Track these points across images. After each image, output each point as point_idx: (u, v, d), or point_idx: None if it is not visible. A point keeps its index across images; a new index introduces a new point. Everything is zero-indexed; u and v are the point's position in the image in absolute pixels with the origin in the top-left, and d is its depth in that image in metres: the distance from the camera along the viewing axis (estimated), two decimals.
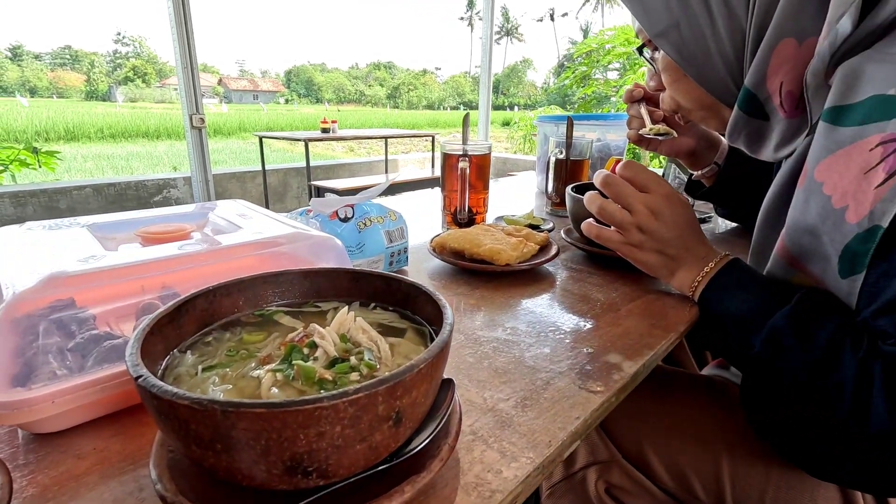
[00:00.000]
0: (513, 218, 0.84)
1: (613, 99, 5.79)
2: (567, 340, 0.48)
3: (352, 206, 0.61)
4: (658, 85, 0.65)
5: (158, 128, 18.23)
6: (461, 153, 0.78)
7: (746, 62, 0.52)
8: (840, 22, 0.45)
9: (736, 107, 0.55)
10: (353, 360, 0.28)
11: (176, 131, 18.22)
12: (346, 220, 0.60)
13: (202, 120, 3.21)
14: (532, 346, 0.46)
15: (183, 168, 8.87)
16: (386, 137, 4.79)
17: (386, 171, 5.08)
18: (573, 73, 6.16)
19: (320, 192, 3.31)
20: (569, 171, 0.95)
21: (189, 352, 0.30)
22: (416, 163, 5.99)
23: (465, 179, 0.76)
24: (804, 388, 0.46)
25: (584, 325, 0.51)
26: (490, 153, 0.82)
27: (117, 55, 71.25)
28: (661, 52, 0.58)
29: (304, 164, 4.47)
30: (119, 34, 72.08)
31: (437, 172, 4.39)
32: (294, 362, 0.28)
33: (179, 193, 3.77)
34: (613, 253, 0.61)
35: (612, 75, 6.29)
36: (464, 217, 0.79)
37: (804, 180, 0.47)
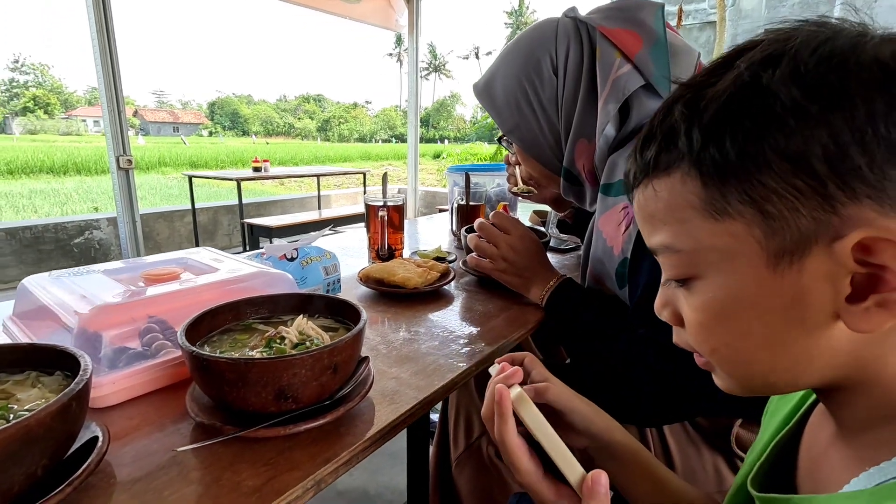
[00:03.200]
0: (424, 252, 1.08)
1: None
2: (451, 336, 0.71)
3: (296, 249, 0.81)
4: (516, 161, 0.93)
5: (66, 163, 16.91)
6: (381, 204, 1.01)
7: (563, 150, 0.80)
8: (606, 130, 0.74)
9: (562, 178, 0.83)
10: (307, 343, 0.49)
11: (87, 166, 16.97)
12: (292, 259, 0.80)
13: (129, 161, 3.21)
14: (427, 342, 0.69)
15: (105, 208, 8.39)
16: (318, 175, 4.95)
17: (319, 208, 5.20)
18: None
19: (254, 230, 3.40)
20: (469, 214, 1.21)
21: (206, 346, 0.49)
22: (348, 198, 6.17)
23: (385, 225, 0.99)
24: (609, 353, 0.71)
25: (466, 326, 0.75)
26: (404, 203, 1.05)
27: (14, 84, 65.56)
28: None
29: (234, 201, 4.50)
30: (17, 61, 66.54)
31: None
32: (273, 346, 0.48)
33: (103, 235, 3.67)
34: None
35: None
36: (384, 253, 1.01)
37: (595, 228, 0.74)
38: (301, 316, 0.53)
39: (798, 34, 0.28)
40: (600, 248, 0.73)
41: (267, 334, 0.50)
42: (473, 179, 1.24)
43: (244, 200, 4.04)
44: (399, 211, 1.04)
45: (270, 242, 0.86)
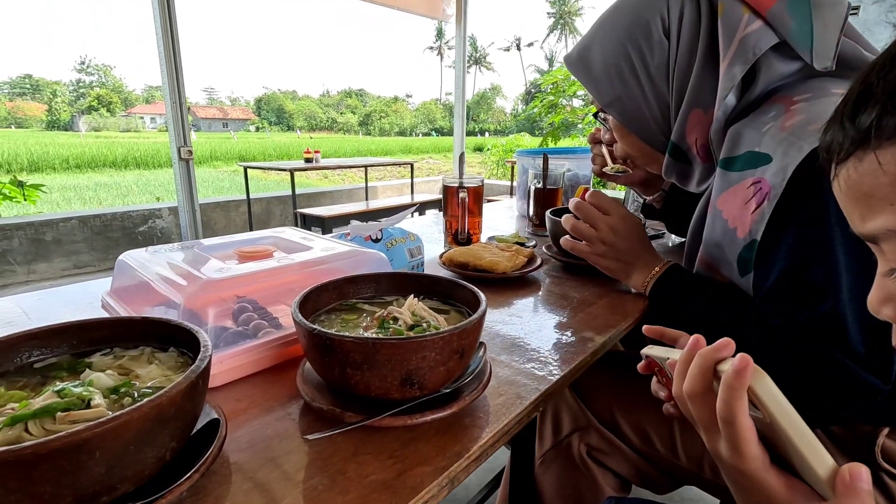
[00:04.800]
0: (503, 237, 1.02)
1: (580, 126, 6.14)
2: (554, 324, 0.65)
3: (381, 230, 0.77)
4: (611, 138, 0.85)
5: (126, 157, 17.91)
6: (459, 185, 0.96)
7: (671, 123, 0.72)
8: (727, 98, 0.65)
9: (667, 154, 0.75)
10: (423, 325, 0.45)
11: (145, 161, 17.94)
12: (377, 240, 0.76)
13: (190, 152, 3.30)
14: (529, 328, 0.63)
15: (165, 198, 8.86)
16: (367, 166, 4.98)
17: (366, 199, 5.24)
18: (541, 101, 6.52)
19: (306, 219, 3.45)
20: (545, 198, 1.14)
21: (316, 324, 0.45)
22: (394, 189, 6.18)
23: (465, 207, 0.94)
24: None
25: (565, 314, 0.69)
26: (483, 185, 1.00)
27: (80, 84, 69.89)
28: (611, 116, 0.77)
29: (285, 192, 4.59)
30: (83, 63, 70.88)
31: (416, 198, 4.54)
32: (388, 327, 0.44)
33: (164, 223, 3.83)
34: (585, 262, 0.79)
35: (578, 103, 6.68)
36: (464, 237, 0.96)
37: (711, 209, 0.66)
38: (412, 296, 0.49)
39: None
40: (719, 230, 0.65)
41: (378, 314, 0.46)
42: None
43: (296, 191, 4.10)
44: (478, 192, 0.99)
45: (322, 232, 0.84)
